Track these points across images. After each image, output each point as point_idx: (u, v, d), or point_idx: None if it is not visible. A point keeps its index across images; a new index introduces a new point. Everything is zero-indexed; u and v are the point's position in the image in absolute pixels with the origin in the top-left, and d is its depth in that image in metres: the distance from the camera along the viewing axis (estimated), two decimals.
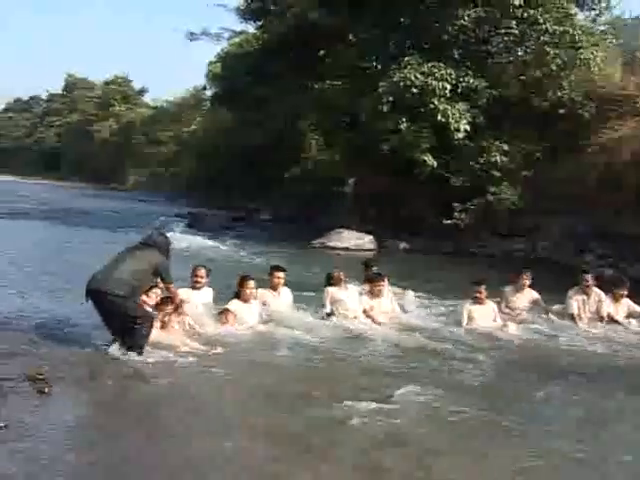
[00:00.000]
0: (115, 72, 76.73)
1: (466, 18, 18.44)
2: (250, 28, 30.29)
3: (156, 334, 6.40)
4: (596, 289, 8.97)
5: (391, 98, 18.01)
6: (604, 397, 6.02)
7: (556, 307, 9.04)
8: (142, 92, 75.24)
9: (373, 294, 8.48)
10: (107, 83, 74.76)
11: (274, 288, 8.27)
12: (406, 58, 18.33)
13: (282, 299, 8.32)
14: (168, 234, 7.82)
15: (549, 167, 17.79)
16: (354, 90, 20.04)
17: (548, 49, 18.06)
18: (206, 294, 7.87)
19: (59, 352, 6.20)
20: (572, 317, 8.76)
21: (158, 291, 6.86)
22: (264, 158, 29.81)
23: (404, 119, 18.10)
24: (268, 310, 8.04)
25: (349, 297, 8.36)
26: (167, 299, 6.80)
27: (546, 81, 18.70)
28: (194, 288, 7.75)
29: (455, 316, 8.58)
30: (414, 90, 17.61)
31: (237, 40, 32.86)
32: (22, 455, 4.18)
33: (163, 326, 6.70)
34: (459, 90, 18.10)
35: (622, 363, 7.27)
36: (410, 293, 9.39)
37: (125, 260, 6.41)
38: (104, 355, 6.16)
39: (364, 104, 19.11)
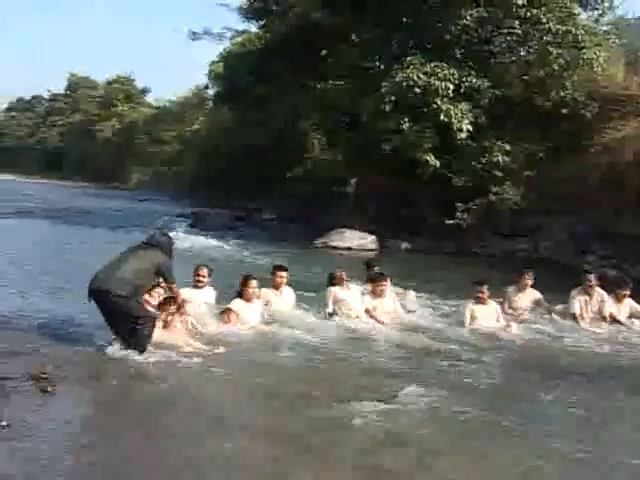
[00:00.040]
0: (117, 72, 76.83)
1: (468, 18, 18.43)
2: (252, 28, 30.38)
3: (158, 334, 6.41)
4: (599, 289, 8.96)
5: (393, 98, 18.01)
6: (606, 397, 6.02)
7: (559, 307, 9.03)
8: (145, 92, 75.24)
9: (375, 294, 8.48)
10: (110, 83, 74.73)
11: (277, 287, 8.29)
12: (409, 58, 18.32)
13: (285, 298, 8.33)
14: (171, 234, 7.84)
15: (552, 167, 17.77)
16: (356, 90, 20.04)
17: (551, 49, 18.02)
18: (208, 293, 7.89)
19: (62, 351, 6.22)
20: (574, 317, 8.75)
21: (161, 291, 6.89)
22: (265, 158, 29.79)
23: (406, 119, 18.09)
24: (270, 309, 8.06)
25: (351, 297, 8.36)
26: (170, 299, 6.82)
27: (549, 81, 18.66)
28: (196, 287, 7.78)
29: (457, 316, 8.58)
30: (417, 90, 17.60)
31: (239, 40, 32.85)
32: (23, 454, 4.19)
33: (165, 326, 6.71)
34: (462, 90, 18.09)
35: (624, 363, 7.26)
36: (411, 293, 9.38)
37: (127, 260, 6.43)
38: (107, 355, 6.17)
39: (366, 104, 19.11)
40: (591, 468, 4.51)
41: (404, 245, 18.70)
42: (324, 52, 22.35)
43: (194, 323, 7.15)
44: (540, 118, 18.69)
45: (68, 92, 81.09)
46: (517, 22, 18.66)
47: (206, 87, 44.03)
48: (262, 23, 27.21)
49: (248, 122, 29.33)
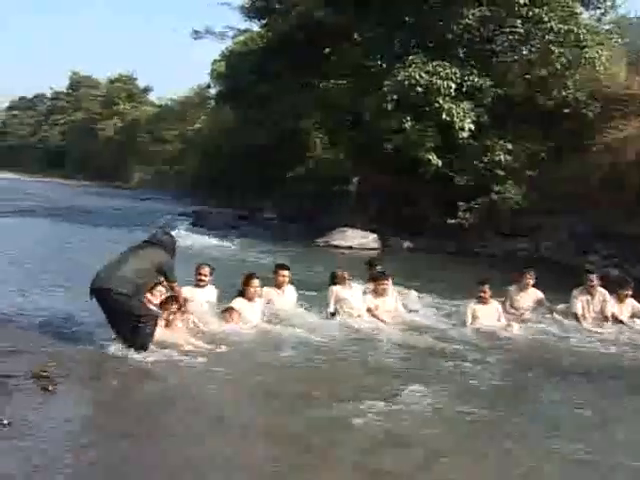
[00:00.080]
0: (119, 71, 76.83)
1: (471, 17, 18.42)
2: (254, 26, 30.32)
3: (160, 332, 6.41)
4: (601, 289, 8.94)
5: (396, 97, 18.01)
6: (608, 397, 6.01)
7: (560, 307, 9.02)
8: (147, 90, 75.15)
9: (377, 293, 8.48)
10: (112, 81, 74.66)
11: (279, 286, 8.29)
12: (411, 57, 18.32)
13: (287, 297, 8.33)
14: (172, 232, 7.84)
15: (553, 167, 17.75)
16: (358, 89, 20.03)
17: (553, 48, 18.01)
18: (210, 292, 7.88)
19: (64, 350, 6.22)
20: (576, 317, 8.73)
21: (162, 289, 6.89)
22: (267, 157, 29.76)
23: (408, 118, 18.08)
24: (272, 308, 8.05)
25: (353, 296, 8.36)
26: (171, 298, 6.82)
27: (551, 80, 18.66)
28: (198, 286, 7.77)
29: (459, 316, 8.58)
30: (419, 89, 17.59)
31: (241, 39, 32.81)
32: (23, 454, 4.19)
33: (167, 324, 6.71)
34: (464, 89, 18.08)
35: (626, 363, 7.25)
36: (413, 293, 9.38)
37: (129, 259, 6.43)
38: (108, 353, 6.17)
39: (368, 103, 19.10)
40: (592, 469, 4.50)
41: (406, 244, 18.69)
42: (326, 51, 22.38)
43: (196, 322, 7.15)
44: (542, 117, 18.68)
45: (70, 90, 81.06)
46: (519, 21, 18.65)
47: (208, 86, 44.09)
48: (264, 22, 27.17)
49: (250, 121, 29.27)
